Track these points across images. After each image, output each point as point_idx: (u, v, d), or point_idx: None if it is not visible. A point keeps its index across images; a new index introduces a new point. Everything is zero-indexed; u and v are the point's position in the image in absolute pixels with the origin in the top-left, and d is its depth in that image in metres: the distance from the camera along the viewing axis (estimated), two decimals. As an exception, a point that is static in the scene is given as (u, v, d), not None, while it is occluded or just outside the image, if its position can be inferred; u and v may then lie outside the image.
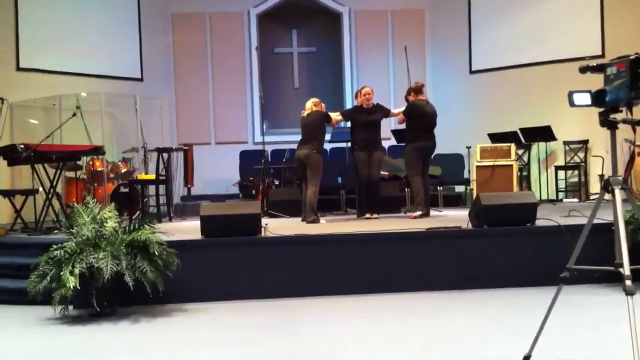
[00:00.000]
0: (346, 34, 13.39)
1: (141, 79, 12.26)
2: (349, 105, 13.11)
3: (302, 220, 7.87)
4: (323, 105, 8.22)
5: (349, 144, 9.00)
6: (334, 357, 3.72)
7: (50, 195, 7.11)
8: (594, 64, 3.17)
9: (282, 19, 13.61)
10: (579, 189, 11.04)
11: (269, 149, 11.31)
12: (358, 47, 13.38)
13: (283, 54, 13.73)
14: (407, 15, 13.28)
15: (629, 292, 2.72)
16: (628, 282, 2.74)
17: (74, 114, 8.19)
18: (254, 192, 10.47)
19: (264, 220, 6.31)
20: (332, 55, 13.64)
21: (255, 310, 5.08)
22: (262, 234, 5.85)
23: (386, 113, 8.36)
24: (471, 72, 12.68)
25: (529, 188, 10.79)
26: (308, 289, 5.46)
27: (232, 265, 5.54)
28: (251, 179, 10.77)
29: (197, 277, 5.41)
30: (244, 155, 12.28)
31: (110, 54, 11.64)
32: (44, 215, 7.10)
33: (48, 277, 4.72)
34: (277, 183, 10.55)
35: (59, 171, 7.45)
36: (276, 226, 6.52)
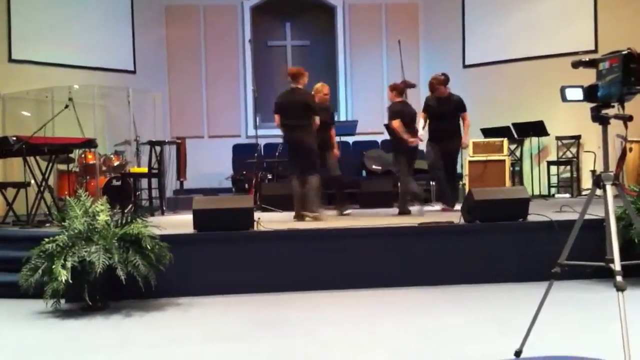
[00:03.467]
0: (340, 28, 13.37)
1: (134, 72, 12.22)
2: (342, 99, 13.15)
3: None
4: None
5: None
6: (324, 351, 3.72)
7: (42, 188, 7.08)
8: (587, 59, 3.16)
9: (275, 12, 13.57)
10: (571, 185, 11.07)
11: (262, 142, 11.29)
12: (352, 41, 13.37)
13: (277, 47, 13.70)
14: (401, 10, 13.28)
15: (620, 288, 2.73)
16: (619, 278, 2.75)
17: (66, 106, 8.16)
18: (246, 186, 10.46)
19: (257, 214, 6.30)
20: (325, 48, 13.62)
21: (247, 304, 5.08)
22: (255, 228, 5.85)
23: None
24: (464, 66, 12.69)
25: (521, 183, 10.81)
26: (300, 283, 5.45)
27: (225, 259, 5.54)
28: (244, 172, 10.76)
29: (190, 271, 5.40)
30: (237, 149, 12.27)
31: (103, 46, 11.60)
32: (35, 208, 7.08)
33: (40, 271, 4.70)
34: (270, 177, 10.54)
35: (51, 164, 7.42)
36: (269, 220, 6.51)
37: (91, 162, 9.23)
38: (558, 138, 11.27)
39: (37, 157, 7.35)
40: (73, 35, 11.16)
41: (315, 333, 4.17)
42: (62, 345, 4.05)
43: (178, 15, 12.97)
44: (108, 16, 11.87)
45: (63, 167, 9.08)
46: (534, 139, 11.20)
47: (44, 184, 7.12)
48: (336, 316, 4.65)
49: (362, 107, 12.96)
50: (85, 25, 11.37)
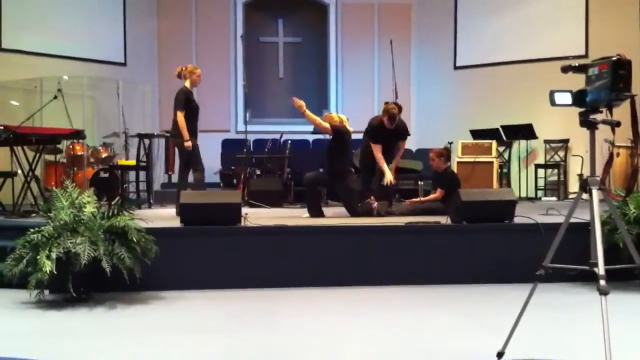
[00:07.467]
0: (332, 26, 13.35)
1: (124, 64, 12.15)
2: (332, 97, 13.16)
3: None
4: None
5: None
6: (308, 348, 3.73)
7: (29, 179, 7.04)
8: (576, 64, 3.18)
9: (268, 8, 13.54)
10: (558, 188, 11.13)
11: (251, 138, 11.27)
12: (344, 40, 13.36)
13: (268, 44, 13.66)
14: (393, 9, 13.28)
15: (603, 292, 2.75)
16: (602, 282, 2.77)
17: (55, 97, 8.12)
18: (234, 181, 10.44)
19: (244, 210, 6.29)
20: (317, 46, 13.61)
21: (232, 300, 5.07)
22: (242, 223, 5.84)
23: None
24: (455, 67, 12.72)
25: (509, 185, 10.84)
26: (286, 280, 5.45)
27: (211, 254, 5.53)
28: (232, 168, 10.74)
29: (175, 265, 5.39)
30: (226, 144, 12.24)
31: (93, 37, 11.53)
32: (22, 199, 7.03)
33: (24, 261, 4.67)
34: (259, 173, 10.52)
35: (38, 154, 7.37)
36: (256, 216, 6.50)
37: (79, 153, 9.18)
38: (546, 141, 11.32)
39: (25, 147, 7.30)
40: (64, 25, 11.09)
41: (301, 328, 4.18)
42: (44, 336, 4.03)
43: (170, 8, 12.90)
44: (99, 7, 11.79)
45: (50, 157, 9.03)
46: (523, 142, 11.25)
47: (30, 174, 7.08)
48: (321, 312, 4.66)
49: (353, 106, 12.94)
50: (76, 16, 11.29)
